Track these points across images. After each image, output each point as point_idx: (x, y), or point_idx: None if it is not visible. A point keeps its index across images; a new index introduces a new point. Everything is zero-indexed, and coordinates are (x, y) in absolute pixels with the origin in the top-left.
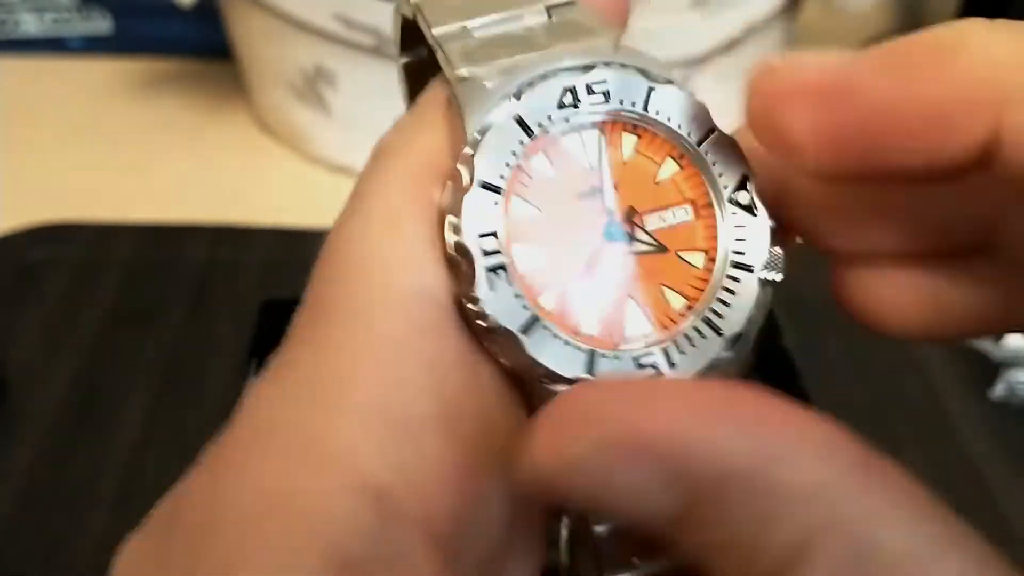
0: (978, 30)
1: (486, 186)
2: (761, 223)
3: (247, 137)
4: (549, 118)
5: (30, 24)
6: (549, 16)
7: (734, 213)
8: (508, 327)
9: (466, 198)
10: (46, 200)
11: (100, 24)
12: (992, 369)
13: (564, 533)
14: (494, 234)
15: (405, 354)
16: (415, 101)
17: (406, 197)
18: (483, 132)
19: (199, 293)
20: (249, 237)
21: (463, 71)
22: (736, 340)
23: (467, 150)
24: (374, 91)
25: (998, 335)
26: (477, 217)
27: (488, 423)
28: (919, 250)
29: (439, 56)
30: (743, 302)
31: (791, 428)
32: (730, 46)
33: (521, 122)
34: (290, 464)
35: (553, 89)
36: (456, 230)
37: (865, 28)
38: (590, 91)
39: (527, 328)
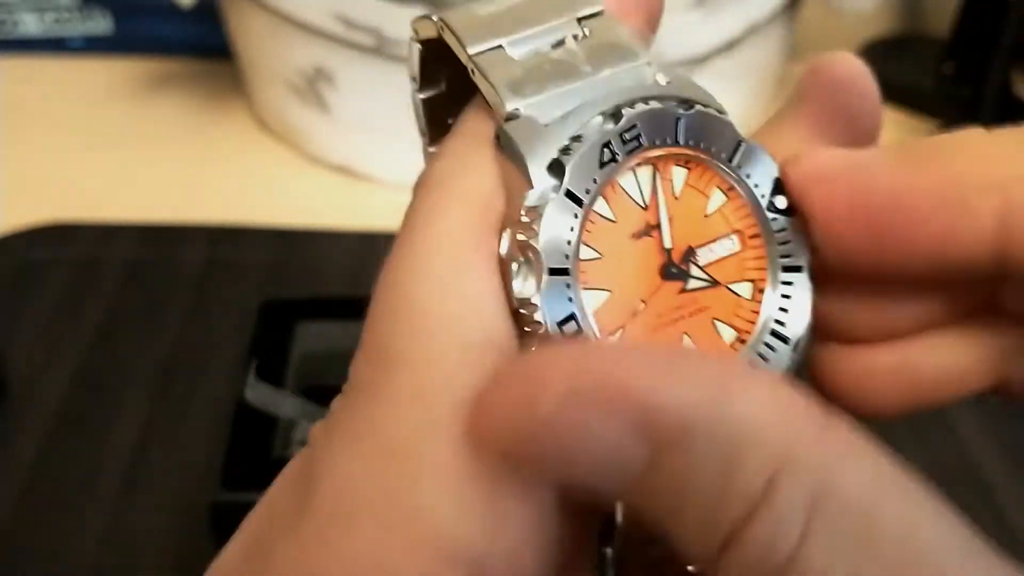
0: (977, 131)
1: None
2: (800, 240)
3: (247, 137)
4: (602, 164)
5: (30, 24)
6: (582, 30)
7: (779, 235)
8: None
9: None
10: (46, 200)
11: (100, 24)
12: None
13: (609, 553)
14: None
15: None
16: (451, 129)
17: (466, 241)
18: (539, 183)
19: (199, 293)
20: (249, 237)
21: (513, 105)
22: (795, 348)
23: (532, 199)
24: (374, 91)
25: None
26: (551, 257)
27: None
28: (924, 325)
29: (479, 81)
30: (799, 314)
31: (747, 380)
32: (730, 46)
33: (570, 195)
34: (380, 535)
35: (593, 153)
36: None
37: (865, 29)
38: (623, 141)
39: None
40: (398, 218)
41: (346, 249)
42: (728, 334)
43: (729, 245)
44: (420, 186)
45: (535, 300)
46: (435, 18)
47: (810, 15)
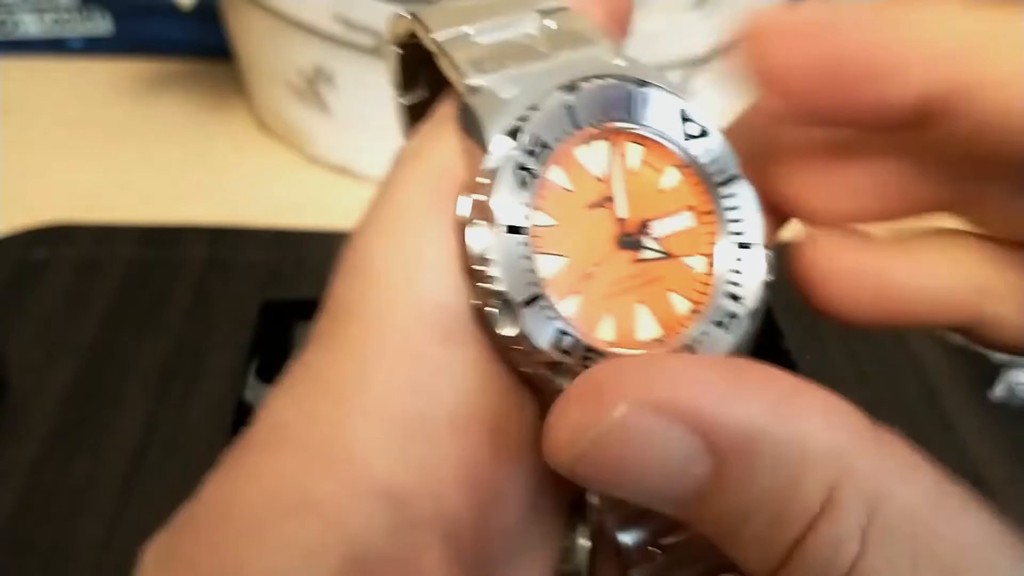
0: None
1: (511, 200)
2: (752, 209)
3: (247, 137)
4: (564, 131)
5: (30, 25)
6: (546, 22)
7: (731, 214)
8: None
9: (493, 201)
10: (46, 200)
11: (100, 25)
12: (992, 369)
13: (580, 542)
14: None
15: (422, 360)
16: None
17: (425, 206)
18: (500, 146)
19: (199, 293)
20: (249, 237)
21: (474, 80)
22: (740, 323)
23: (490, 161)
24: (373, 91)
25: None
26: (507, 213)
27: (502, 426)
28: (886, 212)
29: (443, 64)
30: (747, 303)
31: (805, 395)
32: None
33: (538, 141)
34: (306, 467)
35: (549, 120)
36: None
37: None
38: (578, 112)
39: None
40: None
41: None
42: (682, 305)
43: (684, 220)
44: (393, 159)
45: (490, 255)
46: (406, 13)
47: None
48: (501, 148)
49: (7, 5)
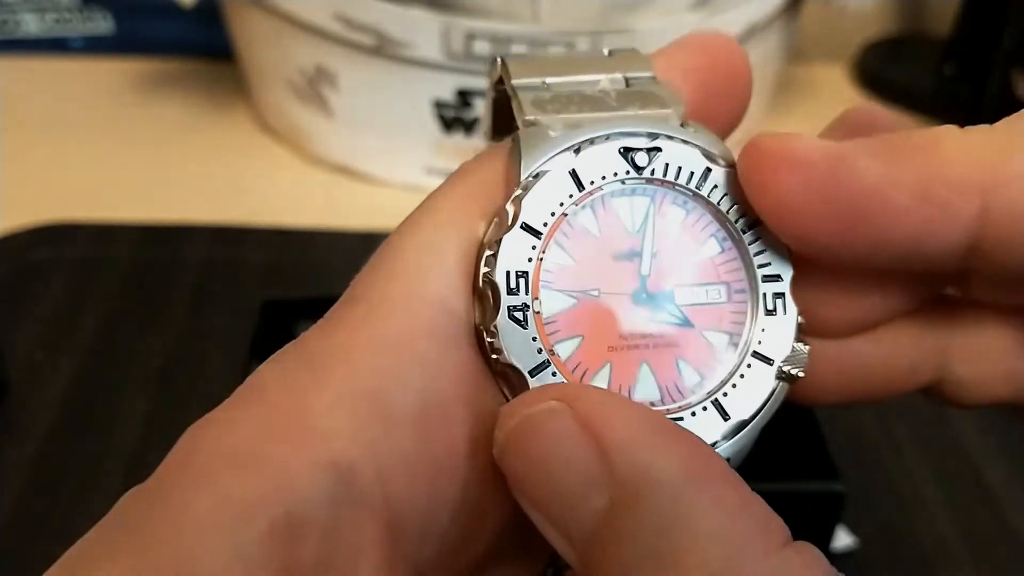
0: (953, 130)
1: (527, 228)
2: (790, 319)
3: (248, 137)
4: (603, 178)
5: (31, 24)
6: (627, 84)
7: (767, 304)
8: (518, 366)
9: (506, 236)
10: (47, 200)
11: (101, 24)
12: None
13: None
14: (525, 275)
15: (407, 352)
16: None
17: (453, 224)
18: (537, 177)
19: (199, 293)
20: (249, 237)
21: (530, 117)
22: (739, 428)
23: (518, 191)
24: (374, 91)
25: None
26: (513, 256)
27: (473, 435)
28: (878, 319)
29: (514, 105)
30: (756, 392)
31: (719, 477)
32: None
33: (575, 175)
34: (267, 427)
35: (612, 151)
36: (489, 264)
37: (865, 29)
38: (649, 160)
39: (536, 371)
40: (399, 218)
41: (346, 249)
42: (692, 379)
43: (715, 295)
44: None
45: (498, 329)
46: (499, 59)
47: (810, 15)
48: (553, 165)
49: (8, 4)
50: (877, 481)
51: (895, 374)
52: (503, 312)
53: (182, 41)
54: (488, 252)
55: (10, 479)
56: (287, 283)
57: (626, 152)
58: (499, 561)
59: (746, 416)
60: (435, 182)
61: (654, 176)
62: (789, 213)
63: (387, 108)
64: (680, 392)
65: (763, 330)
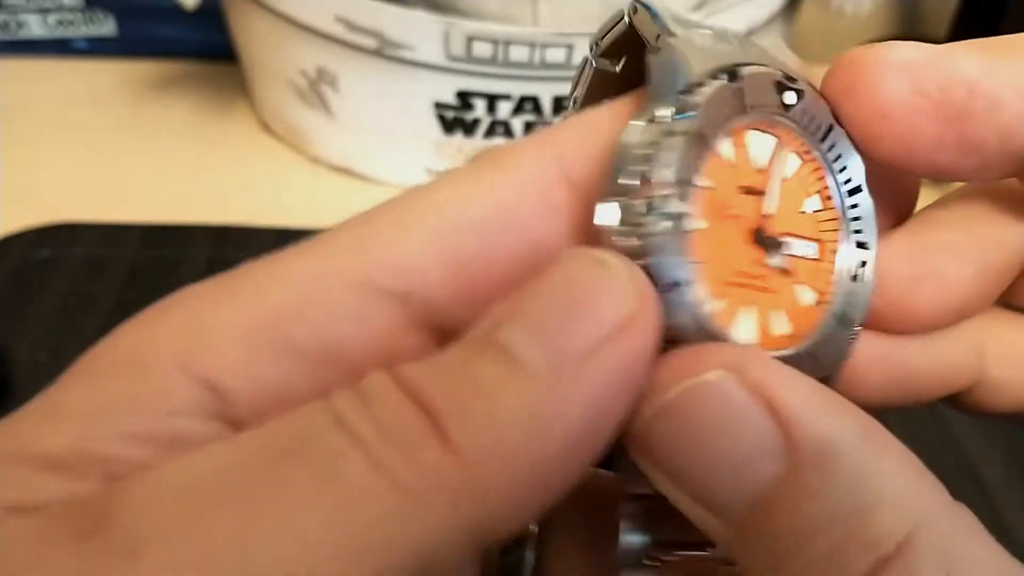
0: None
1: (699, 136)
2: (867, 287)
3: (250, 138)
4: (758, 106)
5: (34, 25)
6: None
7: (852, 270)
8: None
9: (671, 140)
10: (50, 200)
11: (104, 26)
12: None
13: (529, 557)
14: (688, 182)
15: (342, 291)
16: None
17: (537, 153)
18: (689, 91)
19: None
20: (251, 237)
21: (679, 31)
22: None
23: (684, 98)
24: (375, 92)
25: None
26: (680, 160)
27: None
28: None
29: (656, 25)
30: (836, 351)
31: (891, 439)
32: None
33: (739, 95)
34: (167, 334)
35: (767, 82)
36: (650, 160)
37: (864, 30)
38: (797, 100)
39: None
40: None
41: None
42: (782, 327)
43: (809, 250)
44: None
45: (655, 158)
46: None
47: (809, 16)
48: (702, 91)
49: (11, 6)
50: None
51: (937, 375)
52: (662, 221)
53: (185, 43)
54: (642, 151)
55: None
56: None
57: (779, 87)
58: None
59: (826, 374)
60: None
61: (794, 119)
62: (893, 118)
63: (388, 109)
64: (773, 341)
65: (847, 293)
